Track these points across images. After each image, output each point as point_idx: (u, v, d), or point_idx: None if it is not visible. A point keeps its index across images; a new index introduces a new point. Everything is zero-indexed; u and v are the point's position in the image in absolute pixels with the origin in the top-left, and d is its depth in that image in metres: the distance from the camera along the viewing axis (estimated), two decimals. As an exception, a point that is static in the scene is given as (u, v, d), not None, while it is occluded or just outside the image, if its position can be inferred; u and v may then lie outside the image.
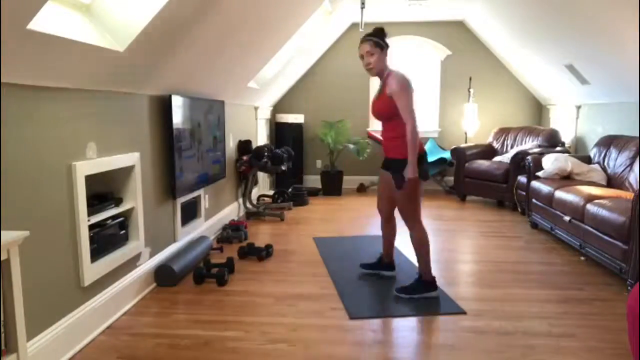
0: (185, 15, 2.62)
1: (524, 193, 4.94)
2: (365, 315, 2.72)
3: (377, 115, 2.94)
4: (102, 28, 2.31)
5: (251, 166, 4.99)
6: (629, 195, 3.63)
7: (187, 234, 3.74)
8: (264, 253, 3.70)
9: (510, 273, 3.42)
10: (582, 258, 3.73)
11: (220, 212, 4.65)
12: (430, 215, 5.31)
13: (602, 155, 4.53)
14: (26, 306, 1.75)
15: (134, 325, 2.61)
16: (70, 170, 2.29)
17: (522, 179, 5.06)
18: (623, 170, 4.15)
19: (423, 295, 2.95)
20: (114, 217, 2.74)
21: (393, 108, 2.80)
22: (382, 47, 2.85)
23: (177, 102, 3.31)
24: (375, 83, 7.08)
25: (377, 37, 2.86)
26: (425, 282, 2.99)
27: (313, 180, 7.14)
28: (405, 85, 2.77)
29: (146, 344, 2.39)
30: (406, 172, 2.79)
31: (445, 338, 2.44)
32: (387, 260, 3.36)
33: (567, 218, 3.80)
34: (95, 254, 2.52)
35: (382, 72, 2.89)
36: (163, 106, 3.27)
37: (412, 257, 3.78)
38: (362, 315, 2.71)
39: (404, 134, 2.79)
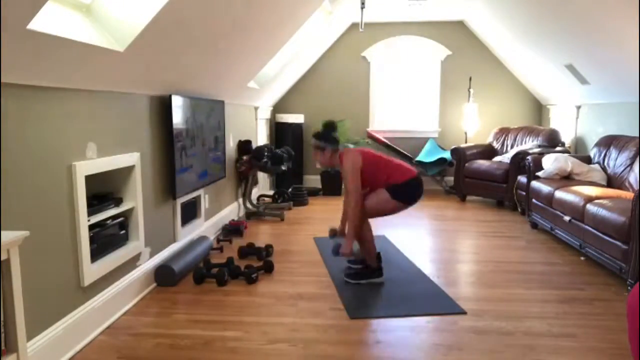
0: (185, 16, 2.62)
1: (524, 193, 4.94)
2: (365, 315, 2.72)
3: (362, 188, 3.15)
4: (102, 28, 2.32)
5: (251, 166, 4.99)
6: (629, 195, 3.63)
7: (187, 234, 3.74)
8: (264, 253, 3.70)
9: (511, 273, 3.42)
10: (582, 258, 3.73)
11: (220, 212, 4.65)
12: (430, 215, 5.31)
13: (602, 155, 4.53)
14: (26, 306, 1.75)
15: (134, 325, 2.61)
16: (70, 170, 2.29)
17: (522, 179, 5.06)
18: (623, 170, 4.15)
19: (369, 281, 3.21)
20: (114, 217, 2.74)
21: (365, 181, 3.10)
22: (323, 148, 3.19)
23: (177, 102, 3.32)
24: (376, 82, 7.08)
25: (320, 138, 3.19)
26: (371, 268, 3.24)
27: (313, 180, 7.14)
28: (351, 166, 3.05)
29: (146, 344, 2.39)
30: (342, 247, 3.09)
31: (445, 338, 2.44)
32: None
33: (567, 218, 3.80)
34: (95, 254, 2.52)
35: (333, 164, 3.23)
36: (163, 106, 3.27)
37: (407, 252, 3.79)
38: (362, 315, 2.71)
39: (389, 173, 3.10)
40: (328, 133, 3.21)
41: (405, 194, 3.11)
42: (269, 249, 3.77)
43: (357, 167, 3.06)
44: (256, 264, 3.46)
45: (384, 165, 3.15)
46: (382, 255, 3.31)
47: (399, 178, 3.10)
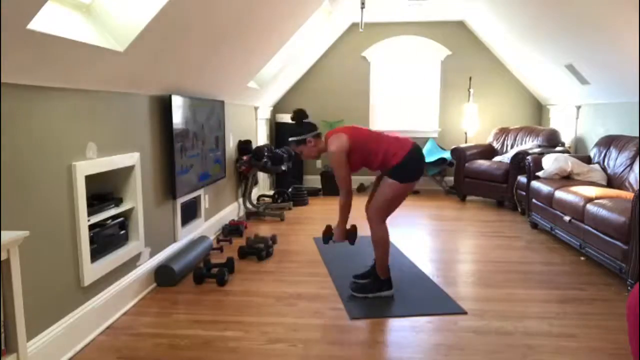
0: (185, 15, 2.62)
1: (524, 193, 4.94)
2: (365, 315, 2.72)
3: (355, 170, 2.98)
4: (102, 28, 2.32)
5: (251, 166, 4.99)
6: (629, 195, 3.63)
7: (187, 234, 3.74)
8: (264, 253, 3.69)
9: (511, 273, 3.42)
10: (582, 258, 3.73)
11: (220, 212, 4.65)
12: (430, 215, 5.31)
13: (602, 155, 4.53)
14: (26, 306, 1.75)
15: (134, 325, 2.61)
16: (70, 170, 2.29)
17: (522, 179, 5.06)
18: (623, 170, 4.15)
19: (377, 295, 2.97)
20: (114, 217, 2.74)
21: (357, 162, 2.90)
22: (305, 142, 2.93)
23: (177, 102, 3.31)
24: (376, 81, 7.09)
25: (297, 136, 2.92)
26: (380, 280, 3.00)
27: (313, 180, 7.14)
28: (336, 152, 2.83)
29: (146, 344, 2.39)
30: (335, 235, 3.03)
31: (445, 338, 2.44)
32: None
33: (567, 218, 3.80)
34: (95, 254, 2.52)
35: (320, 152, 3.00)
36: (163, 106, 3.27)
37: (407, 252, 3.79)
38: (362, 315, 2.71)
39: (384, 150, 2.85)
40: (301, 125, 2.94)
41: (412, 170, 2.86)
42: (269, 248, 3.76)
43: (343, 151, 2.81)
44: (256, 263, 3.45)
45: (377, 141, 2.88)
46: None
47: (400, 154, 2.83)
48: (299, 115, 2.95)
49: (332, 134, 2.91)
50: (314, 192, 6.57)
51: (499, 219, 5.16)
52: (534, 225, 4.67)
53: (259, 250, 3.70)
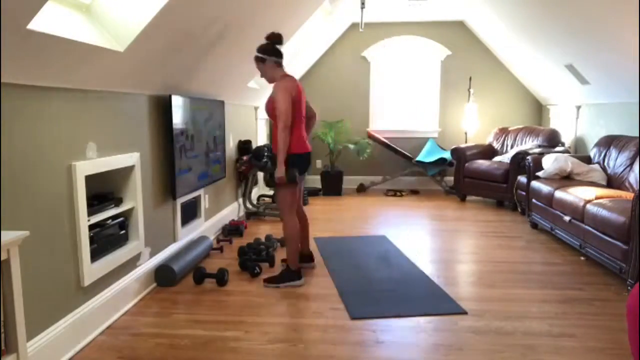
0: (185, 15, 2.62)
1: (524, 193, 4.94)
2: (366, 315, 2.72)
3: (267, 113, 3.19)
4: (102, 28, 2.32)
5: (251, 166, 4.99)
6: (629, 195, 3.63)
7: (187, 234, 3.74)
8: (264, 253, 3.69)
9: (511, 273, 3.42)
10: (582, 258, 3.73)
11: (220, 212, 4.65)
12: (430, 215, 5.31)
13: (602, 155, 4.53)
14: (26, 306, 1.75)
15: (134, 325, 2.61)
16: (70, 170, 2.29)
17: (522, 179, 5.06)
18: (623, 170, 4.15)
19: (287, 284, 3.15)
20: (114, 217, 2.74)
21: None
22: (263, 60, 3.10)
23: (177, 102, 3.31)
24: (376, 82, 7.08)
25: (260, 51, 3.10)
26: (290, 272, 3.18)
27: (313, 180, 7.14)
28: (284, 90, 2.99)
29: (146, 344, 2.39)
30: (276, 172, 3.08)
31: (445, 338, 2.44)
32: (305, 252, 3.54)
33: (567, 218, 3.80)
34: (95, 254, 2.52)
35: (273, 79, 3.13)
36: (163, 106, 3.27)
37: (407, 252, 3.79)
38: (362, 315, 2.71)
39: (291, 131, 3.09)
40: (270, 45, 3.10)
41: (304, 166, 3.21)
42: (269, 248, 3.75)
43: (289, 92, 3.01)
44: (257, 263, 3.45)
45: (299, 119, 3.14)
46: (312, 257, 3.44)
47: (302, 148, 3.17)
48: (272, 38, 3.11)
49: (290, 77, 3.09)
50: (314, 192, 6.57)
51: (499, 219, 5.16)
52: (534, 225, 4.67)
53: (259, 251, 3.67)
